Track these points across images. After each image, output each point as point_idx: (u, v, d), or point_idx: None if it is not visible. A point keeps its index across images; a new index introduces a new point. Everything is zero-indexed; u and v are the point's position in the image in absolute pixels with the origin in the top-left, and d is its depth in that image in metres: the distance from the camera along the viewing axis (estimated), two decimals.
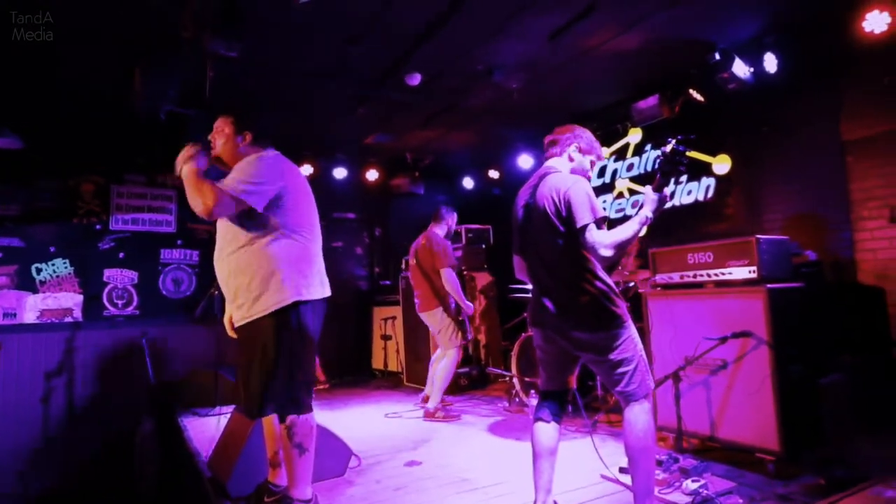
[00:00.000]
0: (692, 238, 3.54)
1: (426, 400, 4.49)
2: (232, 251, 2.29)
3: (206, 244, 5.88)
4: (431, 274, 4.43)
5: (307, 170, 6.11)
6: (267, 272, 2.23)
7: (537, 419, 2.24)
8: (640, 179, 5.14)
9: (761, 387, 2.75)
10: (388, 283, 6.98)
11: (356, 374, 6.71)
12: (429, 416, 4.32)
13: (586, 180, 2.16)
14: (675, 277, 3.27)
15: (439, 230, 4.61)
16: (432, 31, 3.69)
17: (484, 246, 6.27)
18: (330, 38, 3.77)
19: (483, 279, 6.09)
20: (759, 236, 2.88)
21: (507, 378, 4.73)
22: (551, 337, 2.21)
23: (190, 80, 3.92)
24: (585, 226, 2.01)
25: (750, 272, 2.88)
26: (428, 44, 3.85)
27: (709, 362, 2.97)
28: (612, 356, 2.07)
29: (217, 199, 2.13)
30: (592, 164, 2.36)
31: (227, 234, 2.33)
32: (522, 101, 4.67)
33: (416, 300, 4.60)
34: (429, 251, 4.46)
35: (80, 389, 5.16)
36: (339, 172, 6.61)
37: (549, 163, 2.32)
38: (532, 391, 4.25)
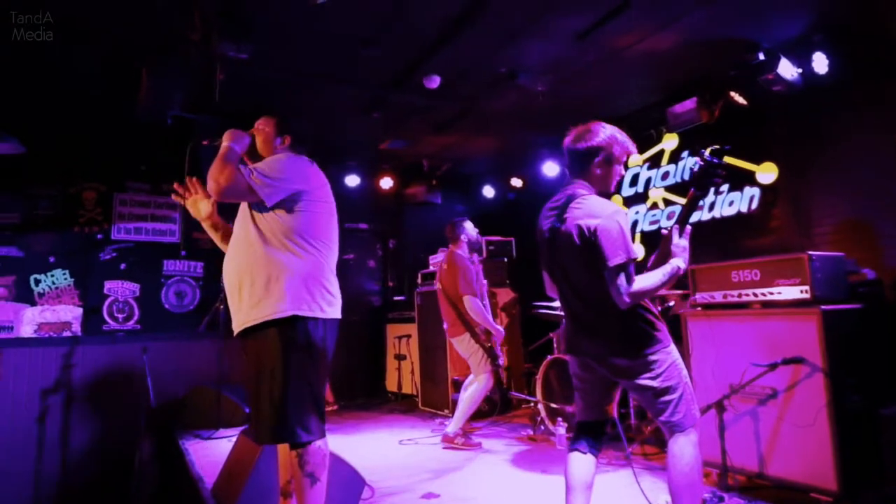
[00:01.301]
0: (735, 253, 3.48)
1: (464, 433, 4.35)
2: (241, 251, 2.35)
3: (210, 255, 5.94)
4: (456, 300, 4.37)
5: None
6: (269, 277, 2.25)
7: (573, 450, 2.20)
8: (677, 189, 5.08)
9: (816, 419, 2.67)
10: (402, 298, 6.97)
11: (368, 396, 6.71)
12: (447, 442, 4.28)
13: (621, 211, 2.11)
14: (718, 297, 3.21)
15: (461, 250, 4.53)
16: (453, 31, 3.71)
17: (506, 259, 6.24)
18: (344, 40, 3.82)
19: (505, 295, 6.05)
20: (811, 252, 2.83)
21: (532, 404, 4.67)
22: (589, 364, 2.18)
23: (198, 84, 3.99)
24: (614, 267, 1.97)
25: (802, 292, 2.81)
26: (448, 45, 3.87)
27: (756, 391, 2.90)
28: (654, 384, 2.03)
29: (231, 181, 2.23)
30: (625, 164, 2.34)
31: (240, 232, 2.40)
32: (549, 104, 4.66)
33: (444, 325, 4.58)
34: (451, 276, 4.41)
35: (78, 408, 5.21)
36: (352, 180, 6.66)
37: (576, 179, 2.24)
38: (559, 419, 4.18)
